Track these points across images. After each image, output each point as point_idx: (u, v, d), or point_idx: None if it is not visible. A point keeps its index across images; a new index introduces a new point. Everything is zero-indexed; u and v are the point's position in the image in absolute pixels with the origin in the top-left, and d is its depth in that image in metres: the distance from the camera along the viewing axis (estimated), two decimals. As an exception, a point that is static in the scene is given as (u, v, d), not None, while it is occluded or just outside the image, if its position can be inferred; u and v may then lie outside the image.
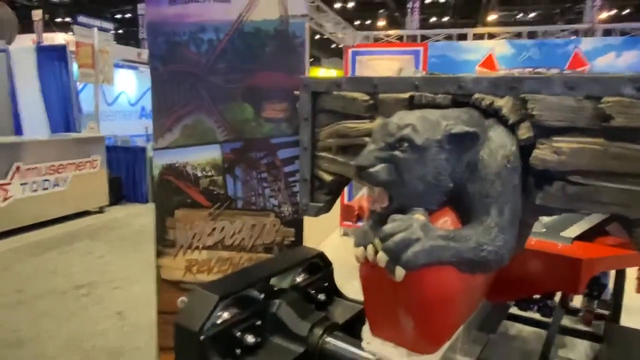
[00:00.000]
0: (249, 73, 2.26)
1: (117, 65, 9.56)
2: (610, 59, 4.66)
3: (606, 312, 3.09)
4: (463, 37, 5.10)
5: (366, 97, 1.83)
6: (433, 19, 19.75)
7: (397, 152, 1.35)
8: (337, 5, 17.63)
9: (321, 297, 1.92)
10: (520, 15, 19.10)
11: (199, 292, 1.53)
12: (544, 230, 1.89)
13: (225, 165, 2.36)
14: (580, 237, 1.86)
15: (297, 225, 2.37)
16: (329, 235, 6.12)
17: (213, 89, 2.33)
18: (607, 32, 4.84)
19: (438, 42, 5.22)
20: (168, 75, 2.38)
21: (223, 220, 2.40)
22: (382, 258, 1.21)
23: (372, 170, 1.35)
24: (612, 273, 2.58)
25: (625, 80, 1.34)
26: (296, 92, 2.04)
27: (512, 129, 1.51)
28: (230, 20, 2.26)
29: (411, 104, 1.70)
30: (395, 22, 18.42)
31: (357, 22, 21.16)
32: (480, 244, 1.32)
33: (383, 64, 5.21)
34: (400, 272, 1.18)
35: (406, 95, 1.72)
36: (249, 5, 2.22)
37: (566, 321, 3.42)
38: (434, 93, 1.67)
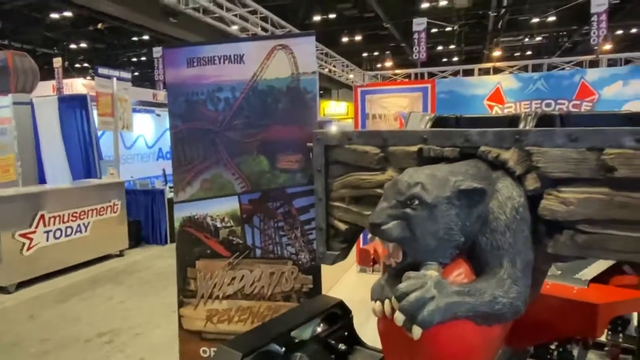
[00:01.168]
0: (264, 128, 2.38)
1: (134, 110, 9.90)
2: (618, 88, 4.70)
3: (633, 347, 3.02)
4: (470, 71, 5.22)
5: (377, 150, 1.91)
6: (439, 48, 20.11)
7: (408, 210, 1.41)
8: (345, 39, 18.13)
9: (341, 346, 1.95)
10: (527, 39, 19.35)
11: (224, 350, 1.58)
12: (559, 273, 1.90)
13: (244, 215, 2.45)
14: (597, 279, 1.87)
15: (315, 273, 2.42)
16: (346, 272, 6.11)
17: (230, 144, 2.44)
18: (612, 62, 4.91)
19: (445, 79, 5.34)
20: (187, 132, 2.51)
21: (242, 269, 2.46)
22: (399, 317, 1.25)
23: (384, 227, 1.41)
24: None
25: (626, 133, 1.40)
26: (309, 144, 2.14)
27: (519, 179, 1.57)
28: (245, 79, 2.39)
29: (420, 157, 1.78)
30: (402, 53, 18.78)
31: (365, 54, 21.64)
32: (495, 297, 1.36)
33: (393, 101, 5.34)
34: (417, 331, 1.22)
35: (415, 148, 1.79)
36: (262, 65, 2.36)
37: (593, 356, 3.36)
38: (441, 146, 1.75)
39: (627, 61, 4.80)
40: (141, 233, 8.28)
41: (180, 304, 2.61)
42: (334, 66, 4.75)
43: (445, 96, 5.20)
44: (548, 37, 19.09)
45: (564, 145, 1.50)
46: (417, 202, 1.41)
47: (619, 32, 16.99)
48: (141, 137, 11.56)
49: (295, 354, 1.72)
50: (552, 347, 1.81)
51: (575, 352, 1.81)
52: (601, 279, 1.89)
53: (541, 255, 1.56)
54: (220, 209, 2.48)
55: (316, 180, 2.13)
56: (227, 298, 2.49)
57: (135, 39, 19.55)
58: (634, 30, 17.31)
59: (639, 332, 2.64)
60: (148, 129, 11.84)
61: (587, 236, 1.48)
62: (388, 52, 20.66)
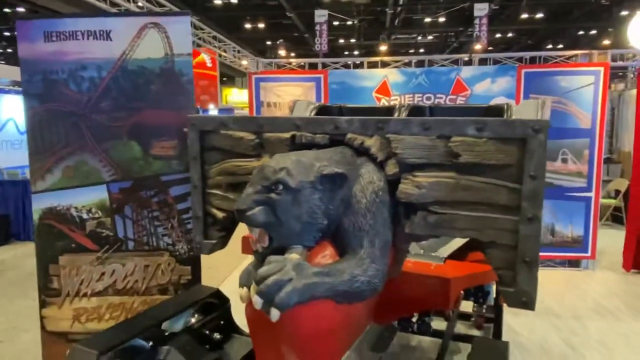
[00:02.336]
0: (135, 111, 2.22)
1: (3, 91, 8.72)
2: (487, 85, 5.23)
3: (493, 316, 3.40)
4: (361, 64, 5.41)
5: (252, 137, 1.89)
6: (341, 41, 20.66)
7: (273, 195, 1.41)
8: (248, 26, 17.70)
9: (217, 336, 1.91)
10: (420, 37, 20.66)
11: (78, 350, 1.46)
12: (422, 251, 2.07)
13: (114, 205, 2.28)
14: (454, 255, 2.07)
15: (194, 263, 2.34)
16: (239, 265, 6.04)
17: (96, 128, 2.25)
18: (483, 61, 5.45)
19: (337, 70, 5.48)
20: (46, 114, 2.25)
21: (113, 263, 2.30)
22: (257, 301, 1.25)
23: (250, 213, 1.40)
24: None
25: (470, 122, 1.54)
26: (185, 130, 2.05)
27: (381, 165, 1.66)
28: (112, 58, 2.21)
29: (293, 144, 1.80)
30: (306, 43, 18.89)
31: (268, 42, 21.36)
32: (354, 276, 1.43)
33: (287, 90, 5.35)
34: (274, 313, 1.24)
35: (288, 135, 1.81)
36: (132, 43, 2.20)
37: (462, 326, 3.73)
38: (313, 133, 1.78)
39: (497, 61, 5.35)
40: (10, 229, 7.37)
41: (43, 304, 2.37)
42: (224, 51, 4.62)
43: (337, 87, 5.34)
44: (438, 36, 20.56)
45: (418, 133, 1.61)
46: (281, 187, 1.42)
47: (498, 35, 18.91)
48: (11, 121, 10.23)
49: (163, 348, 1.65)
50: (413, 320, 1.97)
51: (432, 323, 1.98)
52: (458, 255, 2.08)
53: (401, 235, 1.68)
54: (87, 199, 2.28)
55: (192, 167, 2.05)
56: (96, 295, 2.31)
57: (7, 10, 17.15)
58: (509, 35, 19.38)
59: (496, 302, 2.98)
60: (20, 112, 10.51)
61: (437, 216, 1.61)
62: (290, 42, 20.67)
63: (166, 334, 1.77)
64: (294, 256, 1.37)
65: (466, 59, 5.29)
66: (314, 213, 1.44)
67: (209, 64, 9.10)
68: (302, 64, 5.49)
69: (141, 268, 2.29)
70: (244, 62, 5.44)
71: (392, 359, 2.05)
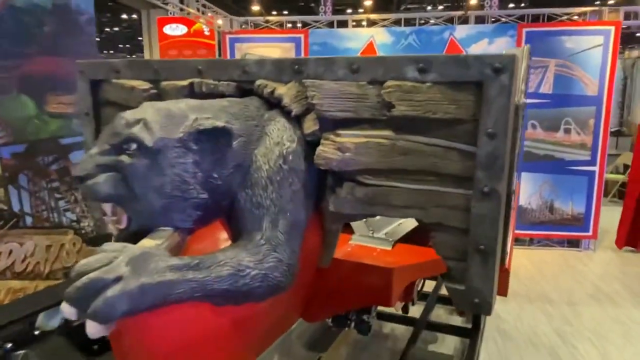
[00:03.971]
0: (25, 58, 1.82)
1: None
2: (484, 46, 4.72)
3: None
4: (344, 23, 4.92)
5: (146, 85, 1.49)
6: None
7: (123, 157, 1.02)
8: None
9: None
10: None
11: None
12: (371, 231, 1.68)
13: (6, 174, 1.90)
14: (411, 237, 1.68)
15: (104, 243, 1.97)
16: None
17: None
18: (480, 20, 4.93)
19: (319, 29, 4.98)
20: None
21: (10, 242, 1.94)
22: (66, 309, 0.88)
23: (91, 182, 1.01)
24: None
25: (408, 61, 1.13)
26: None
27: (298, 122, 1.26)
28: (-5, -8, 1.80)
29: (192, 93, 1.39)
30: (284, 1, 17.25)
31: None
32: (240, 269, 1.04)
33: (264, 51, 4.89)
34: (91, 328, 0.86)
35: (186, 82, 1.40)
36: (17, -27, 1.78)
37: (442, 312, 3.38)
38: (217, 79, 1.38)
39: (496, 20, 4.84)
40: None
41: None
42: (187, 5, 4.16)
43: (319, 48, 4.87)
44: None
45: (344, 78, 1.20)
46: (135, 146, 1.02)
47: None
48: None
49: (18, 353, 1.30)
50: (350, 318, 1.61)
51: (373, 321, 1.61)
52: (416, 237, 1.70)
53: (330, 214, 1.29)
54: (-27, 166, 1.91)
55: (83, 126, 1.66)
56: (-8, 278, 1.96)
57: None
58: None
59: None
60: None
61: (368, 189, 1.22)
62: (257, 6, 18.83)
63: (36, 333, 1.41)
64: (145, 243, 0.99)
65: (461, 16, 4.77)
66: (185, 183, 1.04)
67: (206, 33, 8.60)
68: (281, 22, 5.01)
69: (42, 248, 1.94)
70: (219, 22, 4.96)
71: (360, 347, 1.68)
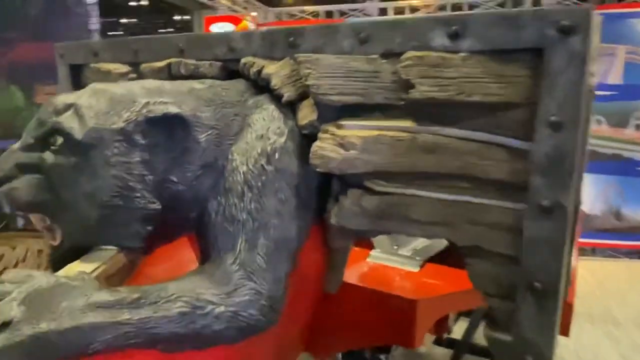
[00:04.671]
0: (10, 44, 1.65)
1: None
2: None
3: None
4: (384, 12, 4.58)
5: (124, 69, 1.26)
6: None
7: (47, 155, 0.78)
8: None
9: None
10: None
11: None
12: (395, 247, 1.37)
13: (-4, 171, 1.75)
14: (445, 257, 1.35)
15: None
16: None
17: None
18: (537, 1, 4.43)
19: (358, 19, 4.68)
20: None
21: (0, 245, 1.79)
22: None
23: (6, 187, 0.78)
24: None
25: (436, 23, 0.81)
26: None
27: (293, 109, 0.98)
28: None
29: (170, 76, 1.14)
30: None
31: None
32: (198, 306, 0.78)
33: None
34: None
35: (163, 63, 1.15)
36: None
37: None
38: (200, 59, 1.12)
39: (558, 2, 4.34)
40: None
41: None
42: (234, 3, 4.02)
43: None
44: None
45: (350, 50, 0.90)
46: (61, 139, 0.78)
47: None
48: None
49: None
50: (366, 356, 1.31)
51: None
52: (451, 257, 1.37)
53: (333, 229, 1.00)
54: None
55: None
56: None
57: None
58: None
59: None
60: None
61: (380, 199, 0.92)
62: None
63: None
64: (70, 269, 0.75)
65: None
66: (128, 189, 0.79)
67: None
68: (317, 12, 4.73)
69: (34, 253, 1.77)
70: (253, 14, 4.76)
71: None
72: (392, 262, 1.31)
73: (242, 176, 0.88)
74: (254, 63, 1.01)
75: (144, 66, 1.21)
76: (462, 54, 0.79)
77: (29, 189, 0.78)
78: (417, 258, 1.31)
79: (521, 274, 0.81)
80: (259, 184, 0.88)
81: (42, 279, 0.69)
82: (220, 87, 0.96)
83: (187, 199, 0.86)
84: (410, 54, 0.82)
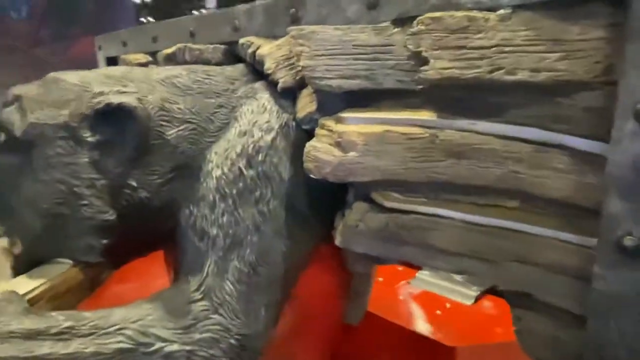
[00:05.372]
0: (72, 39, 1.68)
1: None
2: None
3: None
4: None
5: (144, 59, 1.17)
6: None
7: None
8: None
9: None
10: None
11: None
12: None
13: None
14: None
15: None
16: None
17: (39, 66, 1.78)
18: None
19: None
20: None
21: None
22: None
23: None
24: None
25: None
26: None
27: (294, 97, 0.79)
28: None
29: (178, 64, 1.02)
30: None
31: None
32: (143, 343, 0.63)
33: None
34: None
35: (170, 50, 1.04)
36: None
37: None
38: (210, 42, 0.98)
39: None
40: None
41: None
42: None
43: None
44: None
45: (357, 19, 0.68)
46: (3, 137, 0.69)
47: None
48: None
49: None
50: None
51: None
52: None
53: (345, 250, 0.79)
54: None
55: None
56: None
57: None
58: None
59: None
60: None
61: (388, 217, 0.69)
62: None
63: None
64: (13, 285, 0.65)
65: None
66: (71, 197, 0.67)
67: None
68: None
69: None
70: None
71: None
72: (440, 289, 1.05)
73: (214, 182, 0.71)
74: (251, 43, 0.84)
75: (159, 54, 1.11)
76: (501, 12, 0.53)
77: None
78: (474, 288, 1.03)
79: (589, 342, 0.53)
80: (234, 191, 0.70)
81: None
82: (206, 73, 0.81)
83: (154, 207, 0.72)
84: (425, 16, 0.57)
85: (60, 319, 0.62)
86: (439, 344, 0.86)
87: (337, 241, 0.75)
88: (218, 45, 0.94)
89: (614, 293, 0.49)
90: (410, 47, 0.58)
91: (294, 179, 0.74)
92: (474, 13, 0.55)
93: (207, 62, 0.94)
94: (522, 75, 0.53)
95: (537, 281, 0.59)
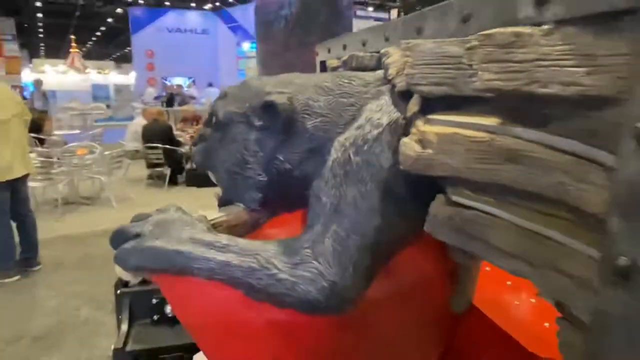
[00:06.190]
0: (307, 47, 2.11)
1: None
2: None
3: None
4: None
5: (336, 63, 1.45)
6: None
7: (208, 129, 1.08)
8: None
9: None
10: None
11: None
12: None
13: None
14: None
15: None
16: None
17: (289, 68, 2.30)
18: None
19: None
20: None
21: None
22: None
23: (194, 149, 1.13)
24: None
25: (527, -12, 0.60)
26: None
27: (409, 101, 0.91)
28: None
29: (351, 69, 1.25)
30: None
31: None
32: (266, 267, 0.91)
33: None
34: (117, 269, 0.97)
35: (346, 56, 1.27)
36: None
37: None
38: (377, 50, 1.17)
39: None
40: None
41: None
42: None
43: None
44: None
45: (455, 32, 0.77)
46: (214, 119, 1.06)
47: None
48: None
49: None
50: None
51: None
52: None
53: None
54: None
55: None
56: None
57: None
58: None
59: None
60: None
61: (454, 210, 0.76)
62: None
63: None
64: (200, 214, 1.02)
65: None
66: (243, 162, 0.99)
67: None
68: None
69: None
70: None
71: None
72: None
73: (331, 162, 0.92)
74: (387, 52, 0.99)
75: (328, 62, 1.37)
76: (545, 27, 0.56)
77: (198, 153, 1.11)
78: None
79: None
80: (342, 172, 0.90)
81: (172, 213, 0.99)
82: (348, 78, 1.01)
83: (295, 176, 0.98)
84: (480, 33, 0.64)
85: (223, 238, 0.95)
86: (536, 357, 0.83)
87: (425, 227, 0.86)
88: (375, 53, 1.13)
89: (606, 312, 0.49)
90: (464, 60, 0.66)
91: (393, 168, 0.88)
92: (521, 28, 0.59)
93: (365, 68, 1.14)
94: (553, 89, 0.55)
95: (571, 294, 0.59)
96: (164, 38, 17.66)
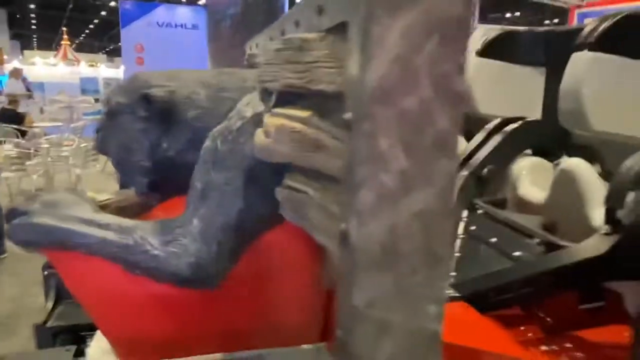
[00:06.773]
0: (248, 45, 2.21)
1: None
2: None
3: None
4: None
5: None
6: None
7: (104, 118, 1.18)
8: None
9: None
10: None
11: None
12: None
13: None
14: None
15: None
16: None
17: (234, 65, 2.40)
18: None
19: None
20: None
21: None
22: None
23: (96, 135, 1.23)
24: None
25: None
26: None
27: (276, 96, 1.02)
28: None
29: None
30: None
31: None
32: (140, 244, 1.01)
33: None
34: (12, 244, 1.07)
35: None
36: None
37: None
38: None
39: None
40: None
41: None
42: None
43: None
44: None
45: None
46: (107, 109, 1.16)
47: None
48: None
49: None
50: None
51: None
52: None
53: None
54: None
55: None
56: None
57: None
58: None
59: None
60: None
61: (291, 194, 0.86)
62: None
63: None
64: (95, 195, 1.12)
65: None
66: (130, 149, 1.09)
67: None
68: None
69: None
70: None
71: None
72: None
73: (203, 151, 1.02)
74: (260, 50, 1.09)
75: None
76: (320, 34, 0.66)
77: (98, 138, 1.20)
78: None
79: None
80: (211, 159, 1.00)
81: (63, 194, 1.09)
82: (228, 73, 1.11)
83: (178, 162, 1.09)
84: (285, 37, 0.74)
85: (106, 217, 1.05)
86: None
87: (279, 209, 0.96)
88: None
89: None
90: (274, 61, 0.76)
91: (255, 156, 0.98)
92: (308, 34, 0.69)
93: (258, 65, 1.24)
94: (321, 86, 0.65)
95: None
96: (154, 32, 17.67)
